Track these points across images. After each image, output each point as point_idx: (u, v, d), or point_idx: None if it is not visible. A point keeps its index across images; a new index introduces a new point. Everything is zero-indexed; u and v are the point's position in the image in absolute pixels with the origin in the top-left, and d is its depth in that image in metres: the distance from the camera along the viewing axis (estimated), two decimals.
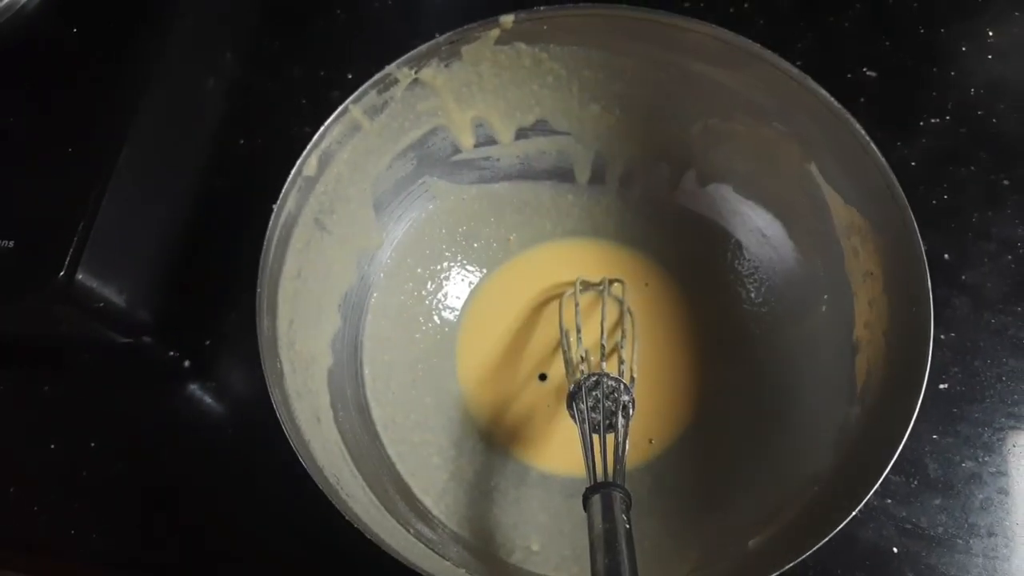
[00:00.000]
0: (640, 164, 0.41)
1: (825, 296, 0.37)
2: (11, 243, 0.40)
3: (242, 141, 0.46)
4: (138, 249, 0.42)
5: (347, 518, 0.29)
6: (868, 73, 0.46)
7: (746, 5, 0.49)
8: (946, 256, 0.42)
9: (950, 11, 0.48)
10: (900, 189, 0.32)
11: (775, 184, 0.38)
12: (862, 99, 0.46)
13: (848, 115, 0.33)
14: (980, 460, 0.39)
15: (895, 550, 0.37)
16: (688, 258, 0.41)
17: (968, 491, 0.38)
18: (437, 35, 0.48)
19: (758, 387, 0.38)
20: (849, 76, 0.46)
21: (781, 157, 0.37)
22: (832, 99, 0.34)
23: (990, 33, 0.47)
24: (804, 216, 0.37)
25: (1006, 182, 0.44)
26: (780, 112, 0.36)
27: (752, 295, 0.40)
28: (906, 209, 0.32)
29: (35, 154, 0.43)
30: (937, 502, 0.38)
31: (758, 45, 0.34)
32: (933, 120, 0.45)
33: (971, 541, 0.38)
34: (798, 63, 0.46)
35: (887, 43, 0.47)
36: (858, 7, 0.48)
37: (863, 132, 0.33)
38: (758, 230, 0.39)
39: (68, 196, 0.41)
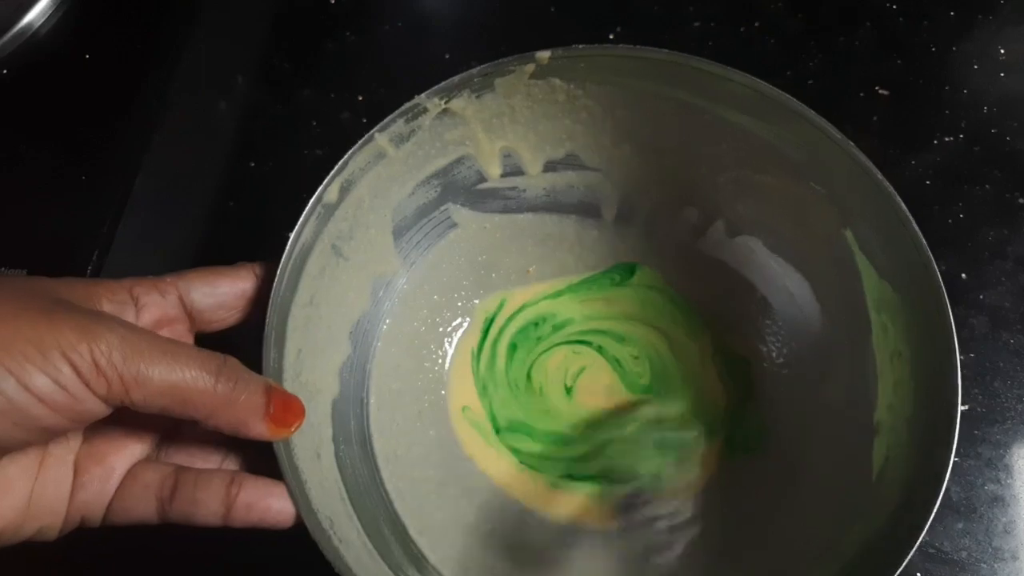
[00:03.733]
0: (668, 208, 0.40)
1: (849, 369, 0.36)
2: (25, 271, 0.40)
3: (253, 164, 0.46)
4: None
5: (336, 568, 0.29)
6: (880, 92, 0.46)
7: (756, 24, 0.49)
8: (963, 276, 0.42)
9: (961, 29, 0.48)
10: (936, 268, 0.31)
11: (807, 244, 0.37)
12: (875, 118, 0.45)
13: (889, 186, 0.32)
14: (1003, 482, 0.38)
15: (919, 575, 0.37)
16: (710, 308, 0.41)
17: (991, 514, 0.38)
18: (446, 57, 0.48)
19: (770, 452, 0.38)
20: (861, 95, 0.46)
21: (815, 218, 0.36)
22: (873, 167, 0.32)
23: (1002, 51, 0.47)
24: (834, 282, 0.36)
25: (1021, 200, 0.44)
26: (817, 172, 0.35)
27: (773, 355, 0.39)
28: (940, 291, 0.31)
29: (49, 181, 0.43)
30: (960, 526, 0.38)
31: (799, 102, 0.33)
32: (947, 138, 0.45)
33: (995, 566, 0.37)
34: (810, 82, 0.46)
35: (899, 62, 0.47)
36: (868, 26, 0.48)
37: (903, 205, 0.32)
38: (785, 289, 0.38)
39: (82, 223, 0.41)
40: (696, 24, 0.49)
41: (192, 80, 0.48)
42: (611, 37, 0.48)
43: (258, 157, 0.46)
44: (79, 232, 0.41)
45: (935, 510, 0.29)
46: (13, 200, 0.43)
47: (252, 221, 0.45)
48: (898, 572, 0.28)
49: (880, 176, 0.32)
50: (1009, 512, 0.38)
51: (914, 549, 0.28)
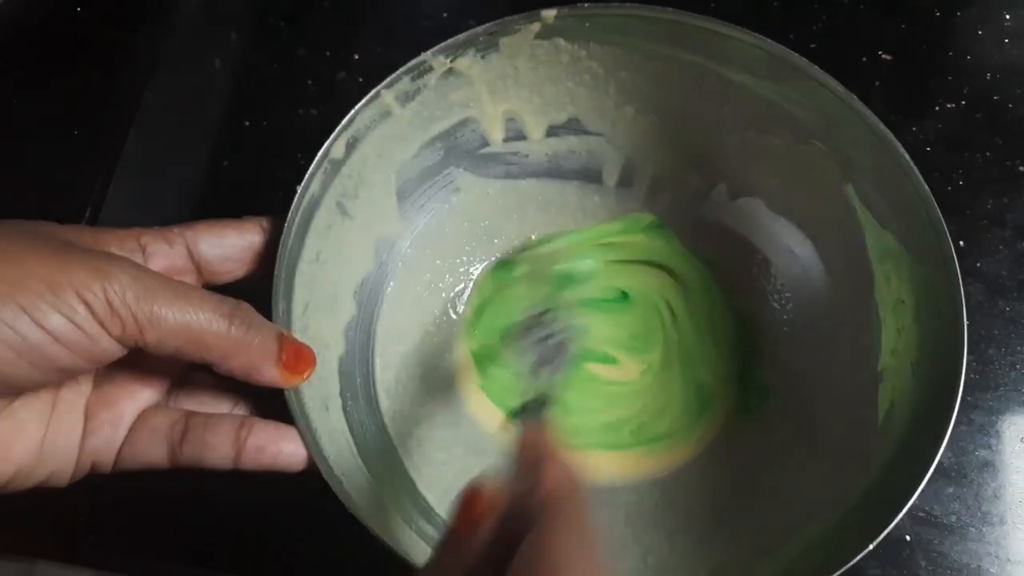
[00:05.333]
0: (671, 171, 0.40)
1: (852, 321, 0.36)
2: None
3: (248, 123, 0.46)
4: None
5: (351, 510, 0.29)
6: (883, 57, 0.46)
7: None
8: (961, 243, 0.42)
9: None
10: (940, 217, 0.31)
11: (809, 202, 0.37)
12: (877, 83, 0.45)
13: (892, 137, 0.32)
14: (993, 448, 0.39)
15: (908, 538, 0.37)
16: (713, 270, 0.41)
17: (981, 479, 0.38)
18: (444, 16, 0.47)
19: (775, 409, 0.38)
20: (864, 60, 0.46)
21: (818, 175, 0.36)
22: (877, 120, 0.32)
23: (1007, 17, 0.46)
24: (837, 237, 0.36)
25: (1022, 168, 0.44)
26: (822, 130, 0.35)
27: (776, 313, 0.39)
28: (945, 238, 0.31)
29: (40, 137, 0.43)
30: (950, 490, 0.38)
31: (804, 59, 0.33)
32: (948, 105, 0.45)
33: (984, 529, 0.37)
34: (812, 46, 0.46)
35: (902, 26, 0.47)
36: None
37: (907, 156, 0.32)
38: (788, 247, 0.38)
39: (74, 180, 0.40)
40: None
41: (186, 37, 0.47)
42: None
43: (253, 116, 0.46)
44: (71, 188, 0.40)
45: (943, 449, 0.29)
46: (3, 157, 0.42)
47: (246, 180, 0.44)
48: (901, 515, 0.28)
49: (883, 127, 0.32)
50: (999, 477, 0.38)
51: (919, 490, 0.28)
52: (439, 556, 0.24)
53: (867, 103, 0.33)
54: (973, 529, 0.38)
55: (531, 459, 0.26)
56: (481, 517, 0.24)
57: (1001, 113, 0.45)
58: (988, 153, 0.44)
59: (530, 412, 0.29)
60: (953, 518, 0.38)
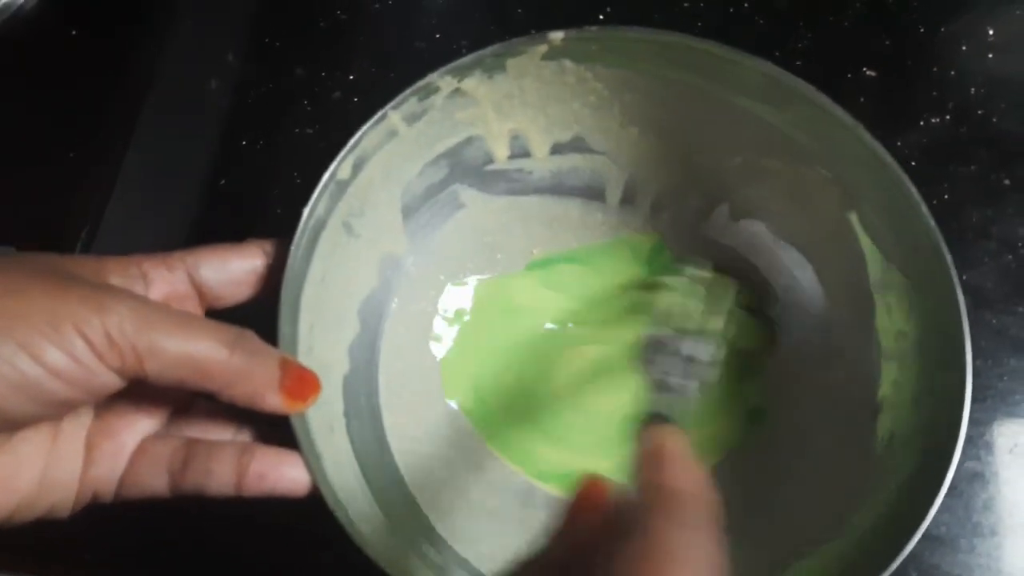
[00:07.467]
0: (673, 191, 0.40)
1: (851, 349, 0.36)
2: (13, 248, 0.40)
3: (244, 143, 0.46)
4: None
5: (355, 540, 0.29)
6: (868, 73, 0.46)
7: (746, 5, 0.48)
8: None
9: (950, 9, 0.48)
10: (945, 249, 0.31)
11: (811, 227, 0.37)
12: (862, 99, 0.46)
13: (899, 168, 0.32)
14: (982, 460, 0.39)
15: None
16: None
17: (971, 491, 0.38)
18: (436, 37, 0.48)
19: (771, 433, 0.38)
20: (849, 76, 0.46)
21: (821, 201, 0.36)
22: (884, 150, 0.33)
23: (991, 32, 0.47)
24: (838, 264, 0.36)
25: (1007, 181, 0.44)
26: (825, 156, 0.35)
27: (776, 336, 0.39)
28: (949, 271, 0.31)
29: (37, 159, 0.43)
30: (940, 502, 0.38)
31: (811, 87, 0.33)
32: (933, 119, 0.45)
33: (974, 541, 0.38)
34: (798, 63, 0.46)
35: (887, 42, 0.47)
36: (858, 6, 0.48)
37: (913, 188, 0.32)
38: (788, 271, 0.39)
39: (71, 201, 0.41)
40: (686, 4, 0.48)
41: (182, 58, 0.48)
42: (600, 17, 0.48)
43: (249, 135, 0.46)
44: (68, 209, 0.41)
45: (946, 486, 0.29)
46: (1, 174, 0.43)
47: (243, 199, 0.45)
48: (906, 551, 0.28)
49: (890, 158, 0.32)
50: (989, 488, 0.39)
51: (922, 528, 0.28)
52: (547, 544, 0.24)
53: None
54: (964, 540, 0.38)
55: (650, 461, 0.25)
56: (594, 509, 0.24)
57: (986, 127, 0.45)
58: (973, 167, 0.44)
59: (654, 420, 0.29)
60: (943, 529, 0.38)
